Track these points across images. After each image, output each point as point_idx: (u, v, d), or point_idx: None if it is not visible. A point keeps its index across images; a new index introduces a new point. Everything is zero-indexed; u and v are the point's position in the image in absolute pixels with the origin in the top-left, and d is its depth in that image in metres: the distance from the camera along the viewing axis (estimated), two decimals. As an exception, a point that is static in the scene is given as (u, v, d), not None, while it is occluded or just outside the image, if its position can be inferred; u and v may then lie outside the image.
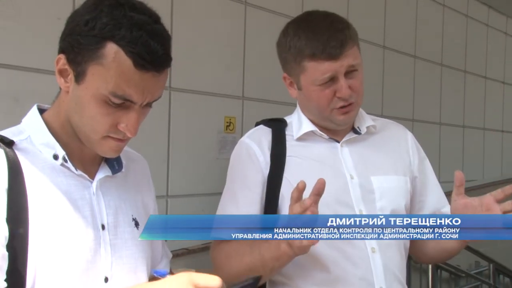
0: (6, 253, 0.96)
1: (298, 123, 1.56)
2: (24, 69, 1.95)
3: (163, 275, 1.03)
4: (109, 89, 1.00)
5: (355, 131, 1.57)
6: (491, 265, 4.39)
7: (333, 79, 1.44)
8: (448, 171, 4.47)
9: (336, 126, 1.52)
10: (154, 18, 1.04)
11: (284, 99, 2.66)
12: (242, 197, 1.49)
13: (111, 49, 0.99)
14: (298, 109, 1.60)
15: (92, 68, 1.01)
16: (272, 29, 2.85)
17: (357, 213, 1.46)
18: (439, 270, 4.04)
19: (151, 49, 1.00)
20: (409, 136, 1.67)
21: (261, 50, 2.82)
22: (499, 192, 1.36)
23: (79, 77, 1.03)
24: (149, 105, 1.07)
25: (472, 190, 4.93)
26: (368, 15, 3.53)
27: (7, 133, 1.07)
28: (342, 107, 1.47)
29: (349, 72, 1.45)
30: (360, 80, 1.48)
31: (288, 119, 1.60)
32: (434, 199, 1.65)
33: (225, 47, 2.68)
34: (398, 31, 3.90)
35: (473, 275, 4.40)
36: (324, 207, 1.44)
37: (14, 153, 1.03)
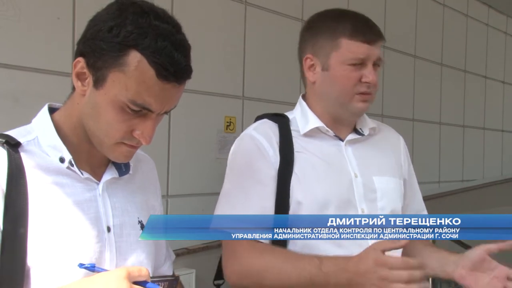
0: None
1: (303, 119, 1.55)
2: (24, 69, 1.96)
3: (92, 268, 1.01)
4: (128, 96, 1.00)
5: (358, 133, 1.58)
6: (491, 265, 4.38)
7: (362, 64, 1.48)
8: (448, 170, 4.48)
9: (350, 115, 1.53)
10: (177, 28, 1.04)
11: (284, 98, 2.67)
12: (255, 192, 1.46)
13: (135, 58, 0.99)
14: (302, 104, 1.59)
15: (113, 75, 1.00)
16: (272, 29, 2.87)
17: (359, 211, 1.47)
18: (439, 270, 4.04)
19: (175, 60, 0.99)
20: (401, 140, 1.71)
21: (261, 50, 2.83)
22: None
23: (98, 82, 1.02)
24: (165, 113, 1.07)
25: (472, 190, 4.92)
26: (368, 14, 3.52)
27: (16, 133, 1.07)
28: (363, 93, 1.49)
29: (375, 65, 1.50)
30: (378, 78, 1.53)
31: (289, 115, 1.59)
32: (416, 204, 1.69)
33: (225, 47, 2.69)
34: (398, 30, 3.90)
35: (474, 274, 4.39)
36: (328, 204, 1.45)
37: (19, 155, 1.02)
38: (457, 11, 4.61)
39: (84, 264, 1.01)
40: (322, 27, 1.53)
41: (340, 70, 1.48)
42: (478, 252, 1.43)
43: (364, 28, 1.49)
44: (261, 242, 1.42)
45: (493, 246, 1.42)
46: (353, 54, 1.47)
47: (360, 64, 1.47)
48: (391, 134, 1.70)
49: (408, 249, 1.58)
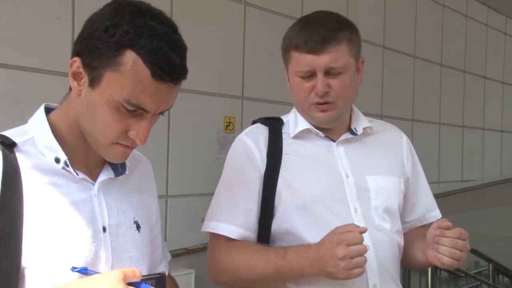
0: None
1: (295, 122, 1.57)
2: (24, 69, 1.96)
3: (84, 271, 1.01)
4: (124, 96, 1.00)
5: (352, 132, 1.58)
6: (490, 265, 4.39)
7: (314, 74, 1.46)
8: (447, 171, 4.48)
9: (318, 123, 1.54)
10: (173, 29, 1.04)
11: (283, 99, 2.66)
12: (240, 194, 1.50)
13: (130, 57, 0.99)
14: (294, 107, 1.61)
15: (108, 74, 1.00)
16: (271, 29, 2.86)
17: (352, 210, 1.48)
18: (438, 270, 4.04)
19: (170, 60, 0.99)
20: (404, 139, 1.69)
21: (261, 50, 2.83)
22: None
23: (93, 81, 1.02)
24: (161, 113, 1.07)
25: (472, 190, 4.93)
26: (368, 15, 3.54)
27: (12, 133, 1.07)
28: (318, 104, 1.48)
29: (332, 73, 1.46)
30: (344, 83, 1.47)
31: (284, 118, 1.61)
32: (426, 203, 1.68)
33: (224, 47, 2.69)
34: (397, 31, 3.90)
35: (473, 275, 4.40)
36: (319, 205, 1.46)
37: (14, 155, 1.02)
38: (456, 11, 4.61)
39: (76, 268, 1.01)
40: (284, 38, 1.53)
41: (294, 81, 1.50)
42: (430, 231, 1.43)
43: (306, 38, 1.44)
44: (234, 240, 1.47)
45: (436, 223, 1.42)
46: (300, 67, 1.46)
47: (310, 75, 1.46)
48: (391, 133, 1.69)
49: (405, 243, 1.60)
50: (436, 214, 1.68)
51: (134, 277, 0.96)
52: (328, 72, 1.45)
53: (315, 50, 1.43)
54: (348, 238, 1.30)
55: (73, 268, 1.00)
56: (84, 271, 1.00)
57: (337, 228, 1.34)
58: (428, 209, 1.67)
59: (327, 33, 1.44)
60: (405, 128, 4.12)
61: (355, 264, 1.30)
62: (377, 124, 1.66)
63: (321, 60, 1.43)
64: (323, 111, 1.49)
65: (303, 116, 1.56)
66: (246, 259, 1.44)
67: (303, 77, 1.46)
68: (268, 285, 1.47)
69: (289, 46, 1.49)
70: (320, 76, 1.44)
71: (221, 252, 1.48)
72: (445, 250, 1.37)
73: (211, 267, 1.52)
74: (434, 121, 4.41)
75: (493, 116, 5.24)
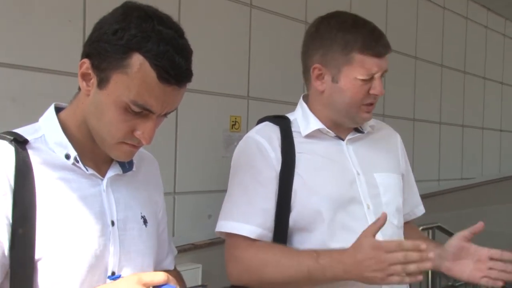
0: (7, 262, 1.00)
1: (304, 121, 1.57)
2: (21, 68, 1.97)
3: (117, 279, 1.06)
4: (130, 97, 1.03)
5: (358, 130, 1.61)
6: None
7: (372, 77, 1.49)
8: (447, 169, 4.51)
9: (353, 124, 1.57)
10: (179, 33, 1.06)
11: (288, 98, 2.70)
12: (256, 194, 1.48)
13: (137, 60, 1.01)
14: (303, 106, 1.61)
15: (116, 76, 1.03)
16: (276, 31, 2.90)
17: (365, 207, 1.50)
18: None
19: (176, 64, 1.02)
20: (398, 138, 1.74)
21: (266, 51, 2.86)
22: (497, 252, 1.43)
23: (102, 83, 1.05)
24: (165, 115, 1.10)
25: (471, 188, 4.90)
26: (369, 16, 3.55)
27: (23, 131, 1.10)
28: (369, 104, 1.52)
29: (382, 75, 1.52)
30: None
31: (290, 116, 1.61)
32: (414, 198, 1.74)
33: (230, 48, 2.72)
34: (399, 32, 3.92)
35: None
36: (334, 202, 1.47)
37: (27, 152, 1.06)
38: (457, 13, 4.63)
39: (112, 276, 1.07)
40: (333, 38, 1.50)
41: (351, 84, 1.48)
42: (455, 241, 1.47)
43: (374, 42, 1.47)
44: (259, 240, 1.45)
45: (466, 232, 1.47)
46: (365, 69, 1.46)
47: (370, 78, 1.48)
48: (388, 132, 1.73)
49: None
50: (422, 208, 1.75)
51: (154, 280, 0.98)
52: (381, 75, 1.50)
53: (381, 54, 1.47)
54: (386, 245, 1.30)
55: (110, 277, 1.06)
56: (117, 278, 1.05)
57: (366, 232, 1.33)
58: (416, 204, 1.73)
59: (386, 39, 1.51)
60: (407, 127, 4.13)
61: (394, 271, 1.28)
62: (375, 122, 1.68)
63: (384, 64, 1.49)
64: (369, 111, 1.53)
65: (336, 118, 1.55)
66: (276, 260, 1.41)
67: (365, 80, 1.47)
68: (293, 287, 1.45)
69: (350, 48, 1.47)
70: (378, 78, 1.48)
71: (245, 252, 1.45)
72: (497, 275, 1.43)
73: (234, 267, 1.48)
74: (434, 121, 4.43)
75: (492, 116, 5.26)
